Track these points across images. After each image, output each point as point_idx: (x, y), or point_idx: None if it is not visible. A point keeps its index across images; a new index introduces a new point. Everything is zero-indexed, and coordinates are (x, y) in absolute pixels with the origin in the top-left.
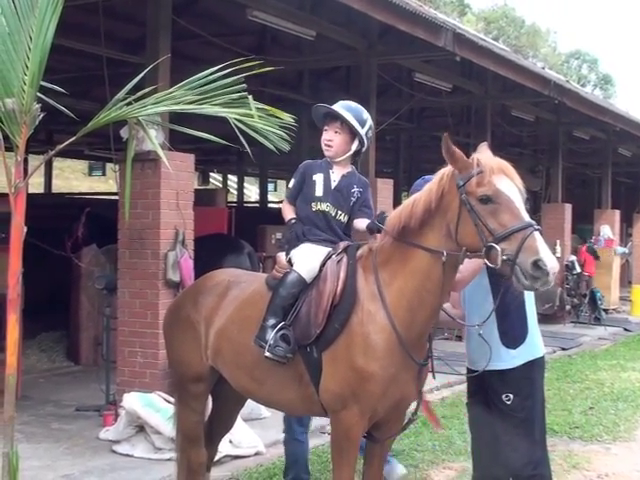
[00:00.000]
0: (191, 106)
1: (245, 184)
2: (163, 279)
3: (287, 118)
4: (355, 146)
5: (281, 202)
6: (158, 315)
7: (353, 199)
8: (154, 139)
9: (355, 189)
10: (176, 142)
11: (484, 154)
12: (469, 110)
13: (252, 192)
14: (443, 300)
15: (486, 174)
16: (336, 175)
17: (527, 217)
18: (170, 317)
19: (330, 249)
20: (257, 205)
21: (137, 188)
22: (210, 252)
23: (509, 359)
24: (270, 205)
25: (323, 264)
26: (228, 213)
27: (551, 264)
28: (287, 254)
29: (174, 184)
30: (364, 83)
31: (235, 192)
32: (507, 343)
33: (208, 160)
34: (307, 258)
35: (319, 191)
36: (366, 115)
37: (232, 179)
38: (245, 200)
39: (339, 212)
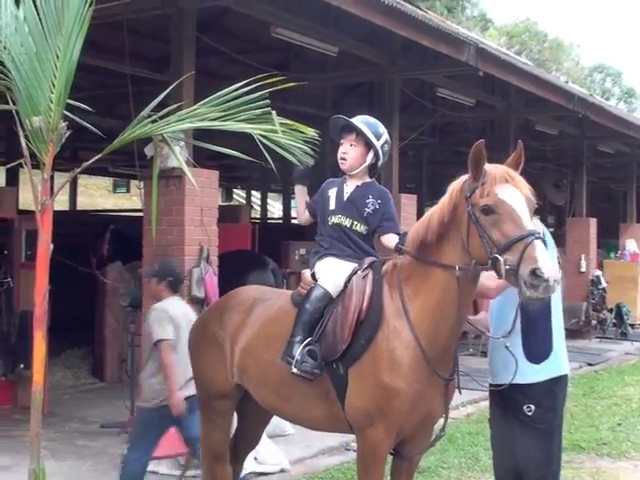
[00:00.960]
0: (215, 122)
1: (268, 200)
2: (188, 295)
3: (311, 132)
4: (370, 159)
5: None
6: None
7: (368, 209)
8: (179, 156)
9: (370, 199)
10: (200, 159)
11: (495, 164)
12: (492, 125)
13: (275, 208)
14: (465, 312)
15: (487, 184)
16: (350, 187)
17: (530, 225)
18: (196, 334)
19: (355, 265)
20: (280, 221)
21: (162, 205)
22: (234, 268)
23: (532, 374)
24: (293, 221)
25: (348, 280)
26: (252, 229)
27: (549, 272)
28: (311, 269)
29: (198, 201)
30: (387, 99)
31: (259, 208)
32: (531, 358)
33: (232, 177)
34: (332, 273)
35: (332, 204)
36: (382, 129)
37: (255, 195)
38: (268, 216)
39: (354, 222)
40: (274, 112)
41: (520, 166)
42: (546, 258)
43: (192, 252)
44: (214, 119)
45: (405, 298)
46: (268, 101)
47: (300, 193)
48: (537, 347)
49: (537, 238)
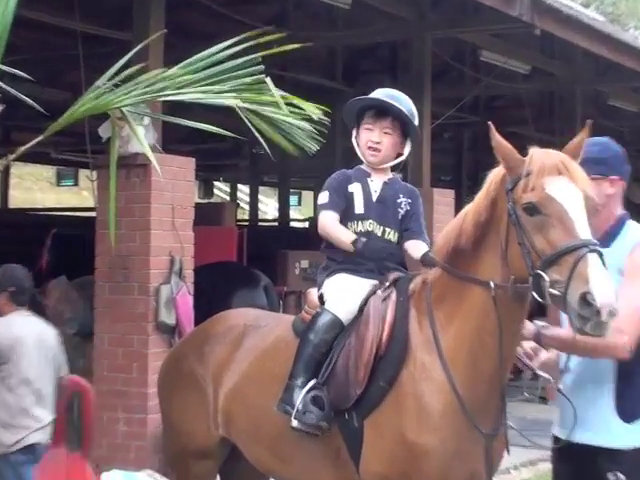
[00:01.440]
0: (191, 94)
1: (260, 196)
2: (154, 321)
3: (316, 110)
4: (408, 150)
5: (308, 220)
6: (147, 369)
7: (401, 211)
8: (143, 138)
9: (402, 199)
10: (171, 142)
11: (545, 150)
12: (551, 98)
13: (269, 207)
14: (513, 344)
15: (534, 175)
16: (377, 184)
17: (585, 232)
18: (167, 373)
19: (375, 282)
20: (275, 224)
21: (121, 202)
22: (215, 286)
23: (622, 435)
24: (293, 224)
25: (365, 302)
26: (238, 234)
27: (602, 299)
28: (319, 288)
29: (169, 197)
30: (415, 65)
31: (247, 207)
32: (623, 414)
33: (212, 166)
34: (344, 293)
35: (359, 206)
36: (414, 108)
37: (243, 190)
38: (260, 217)
39: (387, 230)
40: (269, 79)
41: (581, 153)
42: (602, 279)
43: (160, 264)
44: (190, 89)
45: (436, 325)
46: (261, 67)
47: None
48: (633, 400)
49: (593, 251)
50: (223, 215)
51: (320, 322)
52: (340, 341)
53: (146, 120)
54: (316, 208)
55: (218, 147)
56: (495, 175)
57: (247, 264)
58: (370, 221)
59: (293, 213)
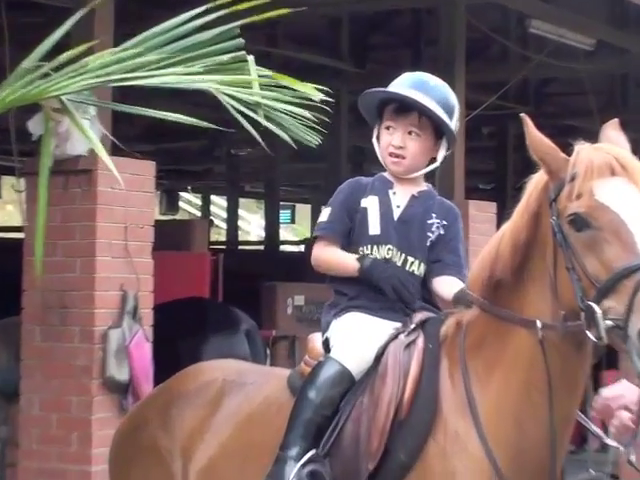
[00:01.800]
0: (153, 79)
1: (241, 211)
2: (100, 378)
3: (315, 92)
4: (442, 154)
5: (304, 242)
6: (90, 440)
7: (431, 235)
8: (89, 132)
9: (434, 219)
10: (124, 140)
11: (596, 146)
12: (625, 83)
13: (253, 225)
14: (571, 404)
15: (579, 178)
16: (400, 197)
17: None
18: (121, 445)
19: (397, 324)
20: (261, 247)
21: (56, 219)
22: (182, 330)
23: None
24: (284, 247)
25: (384, 349)
26: (212, 262)
27: None
28: (323, 333)
29: (120, 213)
30: (444, 38)
31: (224, 225)
32: None
33: (178, 171)
34: (356, 338)
35: (374, 226)
36: (454, 98)
37: (218, 203)
38: (241, 239)
39: (409, 259)
40: (251, 57)
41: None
42: None
43: (108, 302)
44: (149, 70)
45: (471, 380)
46: (240, 40)
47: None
48: None
49: None
50: (192, 236)
51: (323, 375)
52: (349, 400)
53: (91, 111)
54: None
55: (185, 147)
56: (536, 182)
57: (223, 301)
58: (389, 246)
59: (284, 233)
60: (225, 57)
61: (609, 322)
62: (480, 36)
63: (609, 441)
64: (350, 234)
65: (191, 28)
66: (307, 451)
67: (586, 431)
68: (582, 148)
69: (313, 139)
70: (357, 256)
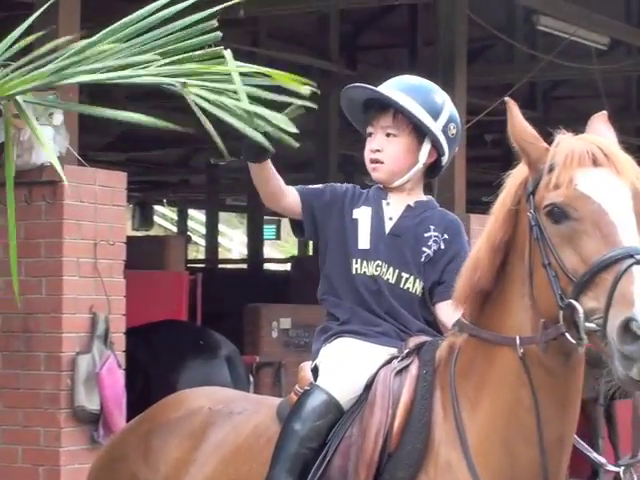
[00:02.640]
0: (118, 73)
1: (221, 227)
2: (69, 407)
3: (301, 87)
4: (425, 155)
5: (290, 260)
6: (59, 475)
7: (427, 250)
8: (45, 138)
9: (431, 232)
10: (94, 149)
11: (579, 135)
12: None
13: (234, 241)
14: (563, 424)
15: (559, 168)
16: (394, 209)
17: (632, 239)
18: (99, 478)
19: (392, 349)
20: (244, 266)
21: (19, 236)
22: (157, 356)
23: None
24: (269, 266)
25: (375, 377)
26: (190, 282)
27: None
28: (314, 359)
29: (89, 229)
30: (444, 36)
31: (203, 242)
32: None
33: (152, 183)
34: (344, 365)
35: (363, 239)
36: (441, 98)
37: (197, 218)
38: (221, 257)
39: (404, 275)
40: (228, 52)
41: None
42: None
43: (76, 325)
44: (116, 68)
45: (460, 407)
46: (217, 33)
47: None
48: None
49: (638, 262)
50: (168, 254)
51: (309, 405)
52: (338, 432)
53: (58, 118)
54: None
55: (160, 156)
56: (514, 177)
57: (202, 324)
58: (377, 262)
59: (269, 250)
60: (197, 53)
61: (591, 325)
62: (483, 34)
63: (610, 467)
64: (314, 220)
65: (160, 19)
66: None
67: (597, 465)
68: (563, 137)
69: (292, 140)
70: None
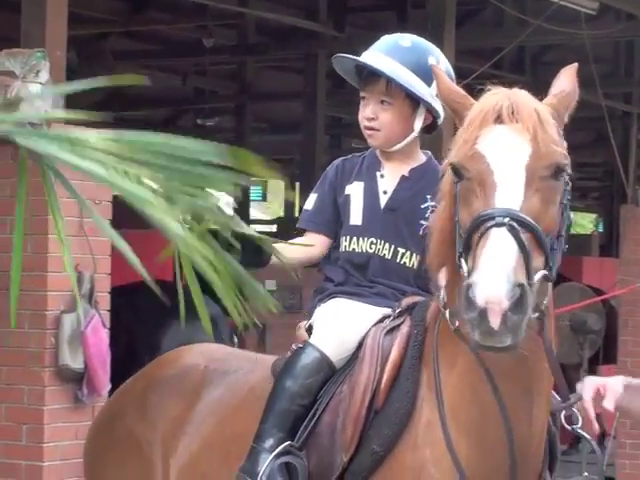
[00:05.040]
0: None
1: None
2: (53, 366)
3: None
4: (420, 121)
5: (276, 221)
6: (42, 434)
7: (426, 222)
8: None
9: (428, 203)
10: (79, 108)
11: (500, 90)
12: (630, 51)
13: (221, 203)
14: (527, 399)
15: (466, 126)
16: (388, 181)
17: (507, 200)
18: (96, 436)
19: (386, 310)
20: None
21: (4, 193)
22: (141, 316)
23: None
24: (255, 227)
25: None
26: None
27: (487, 291)
28: (309, 319)
29: (76, 187)
30: (433, 0)
31: None
32: None
33: None
34: (337, 322)
35: (356, 216)
36: (434, 58)
37: None
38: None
39: (400, 250)
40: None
41: (569, 102)
42: (494, 264)
43: (61, 284)
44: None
45: (440, 367)
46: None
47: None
48: None
49: (501, 224)
50: None
51: (300, 362)
52: (329, 389)
53: (44, 76)
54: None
55: (148, 116)
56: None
57: (188, 284)
58: (372, 239)
59: (255, 212)
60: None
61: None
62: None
63: (593, 443)
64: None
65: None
66: (282, 442)
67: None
68: (487, 93)
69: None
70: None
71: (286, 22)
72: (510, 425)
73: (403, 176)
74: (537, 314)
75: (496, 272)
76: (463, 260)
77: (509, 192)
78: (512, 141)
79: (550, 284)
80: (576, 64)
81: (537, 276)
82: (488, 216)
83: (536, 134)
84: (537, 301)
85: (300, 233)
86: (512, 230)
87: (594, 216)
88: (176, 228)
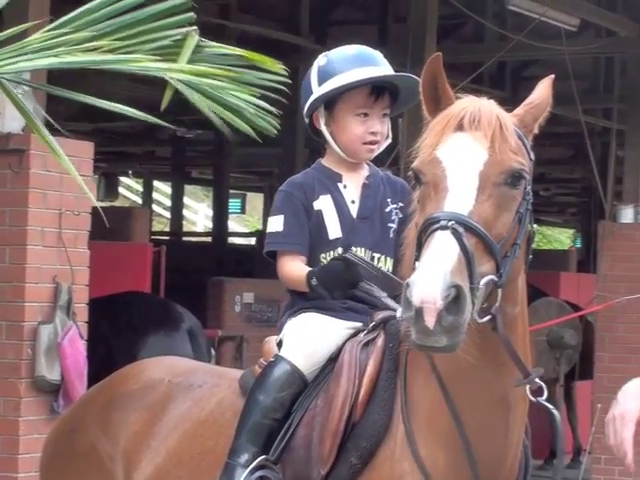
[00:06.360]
0: (92, 57)
1: (186, 199)
2: (29, 377)
3: (276, 66)
4: (389, 127)
5: (254, 234)
6: (17, 445)
7: (393, 225)
8: (25, 105)
9: (391, 206)
10: (57, 118)
11: (468, 99)
12: (610, 67)
13: (199, 215)
14: (507, 385)
15: (427, 132)
16: (352, 190)
17: (455, 204)
18: (56, 451)
19: (356, 324)
20: (208, 239)
21: None
22: (119, 328)
23: None
24: (233, 240)
25: (341, 349)
26: (154, 253)
27: (422, 291)
28: (279, 334)
29: (55, 198)
30: (414, 15)
31: (167, 214)
32: None
33: (118, 154)
34: (307, 337)
35: (334, 229)
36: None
37: (162, 190)
38: (186, 230)
39: (375, 255)
40: (195, 30)
41: (538, 112)
42: (433, 264)
43: (39, 295)
44: (88, 50)
45: (409, 380)
46: (191, 14)
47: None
48: None
49: (445, 228)
50: (132, 225)
51: (273, 376)
52: (303, 403)
53: (23, 85)
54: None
55: (126, 127)
56: None
57: (165, 297)
58: (352, 248)
59: (233, 224)
60: (174, 33)
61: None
62: (454, 12)
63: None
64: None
65: (130, 5)
66: (257, 457)
67: (555, 445)
68: (456, 102)
69: (272, 126)
70: (306, 271)
71: (268, 35)
72: (468, 441)
73: (364, 184)
74: (487, 317)
75: (432, 272)
76: (417, 263)
77: (459, 197)
78: (469, 148)
79: (500, 290)
80: (553, 76)
81: (483, 281)
82: (434, 219)
83: (494, 142)
84: (485, 305)
85: (271, 256)
86: (455, 233)
87: (572, 232)
88: (158, 72)
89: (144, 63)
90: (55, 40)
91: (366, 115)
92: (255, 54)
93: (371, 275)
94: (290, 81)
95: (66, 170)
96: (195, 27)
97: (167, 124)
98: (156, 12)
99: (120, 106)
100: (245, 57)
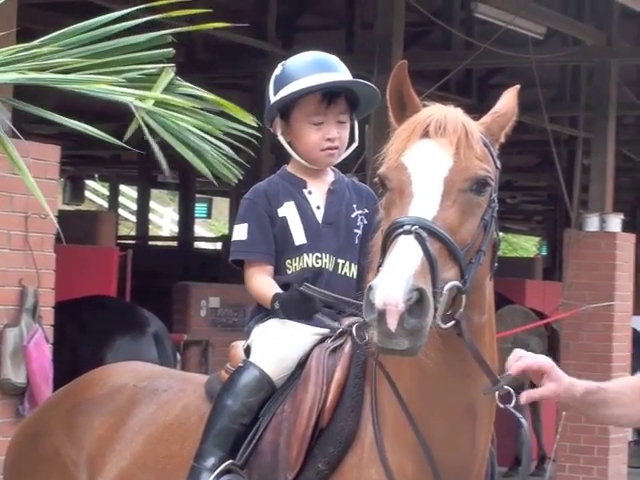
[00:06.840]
0: (67, 83)
1: (152, 204)
2: None
3: (248, 118)
4: (356, 131)
5: (220, 238)
6: None
7: (358, 231)
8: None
9: (357, 212)
10: (23, 121)
11: (434, 107)
12: (576, 76)
13: (165, 219)
14: (473, 394)
15: (393, 139)
16: (317, 196)
17: (420, 209)
18: (19, 455)
19: (324, 330)
20: (174, 244)
21: None
22: (85, 331)
23: None
24: (199, 244)
25: (309, 355)
26: (120, 258)
27: (382, 294)
28: (247, 339)
29: (21, 202)
30: (381, 22)
31: (133, 217)
32: None
33: (84, 157)
34: (276, 342)
35: (299, 236)
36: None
37: (128, 194)
38: (152, 234)
39: (340, 261)
40: (172, 68)
41: (504, 121)
42: (397, 268)
43: (5, 298)
44: (62, 71)
45: (377, 384)
46: (170, 50)
47: None
48: None
49: (409, 232)
50: (98, 229)
51: (241, 381)
52: (270, 408)
53: None
54: (232, 231)
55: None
56: None
57: (131, 300)
58: (317, 254)
59: (199, 229)
60: (149, 67)
61: None
62: (420, 20)
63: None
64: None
65: (115, 30)
66: (223, 461)
67: (520, 453)
68: (423, 109)
69: (234, 174)
70: (273, 292)
71: (235, 40)
72: (431, 450)
73: (329, 189)
74: (451, 323)
75: (395, 275)
76: (381, 267)
77: (423, 202)
78: (434, 154)
79: (464, 296)
80: (518, 85)
81: (447, 286)
82: (398, 224)
83: (459, 148)
84: (450, 312)
85: (236, 264)
86: (418, 238)
87: (538, 239)
88: (125, 98)
89: (111, 87)
90: (21, 54)
91: (321, 123)
92: (228, 102)
93: (330, 303)
94: (260, 135)
95: (33, 174)
96: (173, 64)
97: (131, 148)
98: (133, 43)
99: (84, 125)
100: (217, 102)
